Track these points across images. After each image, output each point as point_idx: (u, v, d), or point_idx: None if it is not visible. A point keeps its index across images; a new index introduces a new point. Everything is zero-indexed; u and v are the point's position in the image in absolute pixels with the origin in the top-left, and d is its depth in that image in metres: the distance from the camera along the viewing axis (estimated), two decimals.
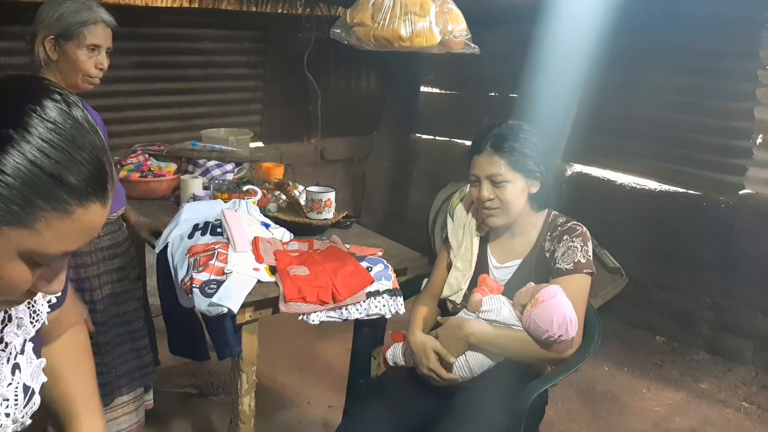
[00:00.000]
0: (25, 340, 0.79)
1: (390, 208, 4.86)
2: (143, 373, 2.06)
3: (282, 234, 2.03)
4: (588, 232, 1.66)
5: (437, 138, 4.77)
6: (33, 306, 0.81)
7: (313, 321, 1.73)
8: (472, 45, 1.87)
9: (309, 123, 4.61)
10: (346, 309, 1.78)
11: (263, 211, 2.16)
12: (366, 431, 1.64)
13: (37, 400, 0.81)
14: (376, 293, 1.83)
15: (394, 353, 1.80)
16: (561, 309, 1.54)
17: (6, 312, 0.76)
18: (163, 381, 2.66)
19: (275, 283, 1.72)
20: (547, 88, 3.64)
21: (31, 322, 0.81)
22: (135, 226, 2.06)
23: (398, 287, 1.87)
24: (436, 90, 4.73)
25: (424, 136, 4.84)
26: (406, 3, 1.65)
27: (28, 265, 0.62)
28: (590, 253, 1.64)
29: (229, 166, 2.44)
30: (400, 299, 1.86)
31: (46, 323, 0.84)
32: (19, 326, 0.78)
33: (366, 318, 1.82)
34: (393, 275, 1.88)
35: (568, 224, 1.67)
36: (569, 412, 2.75)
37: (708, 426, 2.71)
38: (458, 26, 1.79)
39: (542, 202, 1.70)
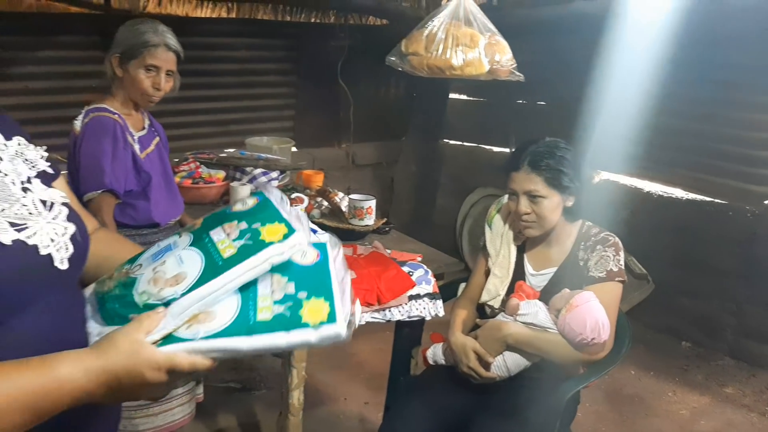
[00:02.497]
0: (29, 177, 0.94)
1: (417, 212, 4.96)
2: None
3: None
4: (620, 242, 1.77)
5: (465, 144, 4.87)
6: (24, 155, 0.96)
7: (359, 322, 1.85)
8: (517, 73, 1.98)
9: (340, 128, 4.74)
10: (389, 311, 1.91)
11: (308, 217, 2.29)
12: (410, 425, 1.76)
13: (62, 209, 0.93)
14: (417, 296, 1.96)
15: (435, 353, 1.91)
16: (594, 314, 1.64)
17: None
18: (208, 376, 2.80)
19: None
20: (574, 97, 3.73)
21: (29, 167, 0.96)
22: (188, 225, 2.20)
23: (438, 291, 1.99)
24: (464, 97, 4.83)
25: (451, 142, 4.94)
26: (458, 36, 1.78)
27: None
28: (622, 262, 1.74)
29: (274, 174, 2.58)
30: (440, 302, 1.98)
31: (49, 171, 0.99)
32: (13, 165, 0.93)
33: (407, 319, 1.95)
34: (433, 280, 2.00)
35: (601, 234, 1.78)
36: (597, 413, 2.84)
37: (732, 429, 2.79)
38: (505, 56, 1.91)
39: (577, 214, 1.80)
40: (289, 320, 0.82)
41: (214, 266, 0.85)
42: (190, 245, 0.91)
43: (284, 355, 1.92)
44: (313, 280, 0.86)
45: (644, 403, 2.96)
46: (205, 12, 4.11)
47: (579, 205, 1.78)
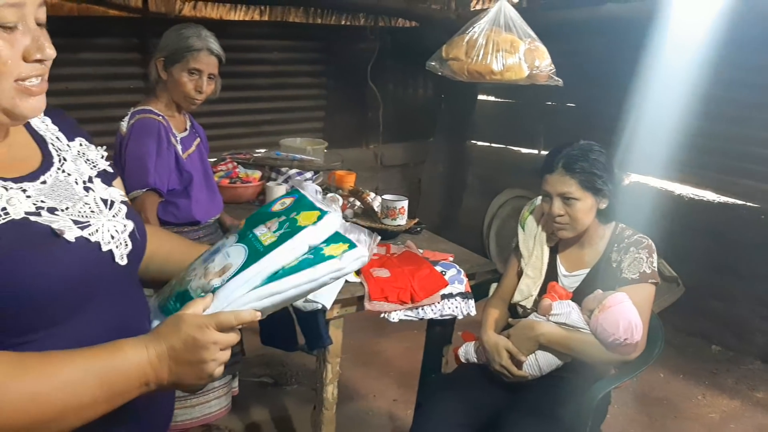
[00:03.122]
0: (90, 176, 0.99)
1: (444, 212, 4.99)
2: (233, 361, 2.25)
3: None
4: (653, 244, 1.78)
5: (492, 145, 4.89)
6: (86, 155, 1.02)
7: (393, 319, 1.90)
8: (556, 78, 2.01)
9: (368, 129, 4.79)
10: (422, 309, 1.95)
11: (342, 216, 2.34)
12: (442, 421, 1.79)
13: (121, 207, 0.99)
14: (450, 296, 1.99)
15: (467, 351, 1.95)
16: (627, 314, 1.66)
17: (62, 159, 0.97)
18: (241, 370, 2.87)
19: (360, 283, 1.90)
20: (603, 98, 3.73)
21: (90, 167, 1.01)
22: (230, 228, 2.26)
23: (470, 291, 2.02)
24: (492, 98, 4.85)
25: (479, 143, 4.96)
26: (498, 42, 1.82)
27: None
28: (655, 264, 1.76)
29: (308, 174, 2.64)
30: (472, 302, 2.01)
31: (109, 169, 1.04)
32: (76, 166, 0.98)
33: (440, 318, 1.99)
34: (465, 279, 2.03)
35: (635, 237, 1.80)
36: (626, 415, 2.84)
37: None
38: (544, 62, 1.95)
39: (610, 216, 1.83)
40: (314, 260, 0.91)
41: (256, 253, 0.92)
42: (236, 242, 0.98)
43: (319, 350, 1.97)
44: (328, 237, 0.94)
45: (673, 406, 2.96)
46: (239, 15, 4.20)
47: (612, 207, 1.80)
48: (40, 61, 0.85)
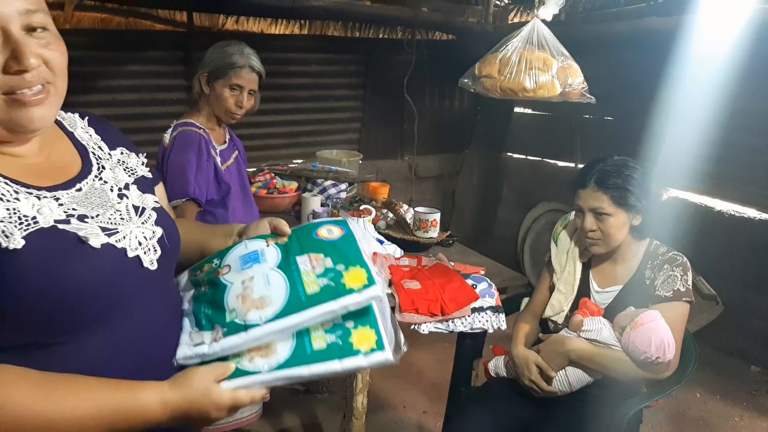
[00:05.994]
0: (127, 183, 1.03)
1: (478, 224, 4.99)
2: None
3: (394, 250, 2.24)
4: (688, 262, 1.76)
5: (528, 157, 4.86)
6: (126, 163, 1.05)
7: (423, 331, 1.92)
8: (589, 96, 2.01)
9: (403, 141, 4.83)
10: (452, 322, 1.96)
11: (374, 228, 2.38)
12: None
13: (151, 214, 1.02)
14: (480, 309, 2.00)
15: (496, 365, 1.95)
16: (659, 332, 1.65)
17: (101, 168, 1.01)
18: None
19: (391, 294, 1.93)
20: (641, 112, 3.68)
21: (128, 174, 1.04)
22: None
23: (501, 305, 2.03)
24: (529, 111, 4.83)
25: (515, 155, 4.94)
26: (531, 60, 1.84)
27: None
28: (690, 282, 1.73)
29: (343, 186, 2.69)
30: (503, 316, 2.02)
31: (148, 175, 1.08)
32: (114, 174, 1.02)
33: (470, 331, 1.99)
34: (496, 293, 2.04)
35: (669, 254, 1.78)
36: None
37: None
38: (577, 80, 1.95)
39: (644, 232, 1.81)
40: (342, 348, 0.92)
41: (298, 300, 0.94)
42: (278, 266, 1.00)
43: None
44: (358, 310, 0.95)
45: (709, 427, 2.89)
46: (279, 29, 4.29)
47: (646, 223, 1.79)
48: (21, 72, 0.82)
